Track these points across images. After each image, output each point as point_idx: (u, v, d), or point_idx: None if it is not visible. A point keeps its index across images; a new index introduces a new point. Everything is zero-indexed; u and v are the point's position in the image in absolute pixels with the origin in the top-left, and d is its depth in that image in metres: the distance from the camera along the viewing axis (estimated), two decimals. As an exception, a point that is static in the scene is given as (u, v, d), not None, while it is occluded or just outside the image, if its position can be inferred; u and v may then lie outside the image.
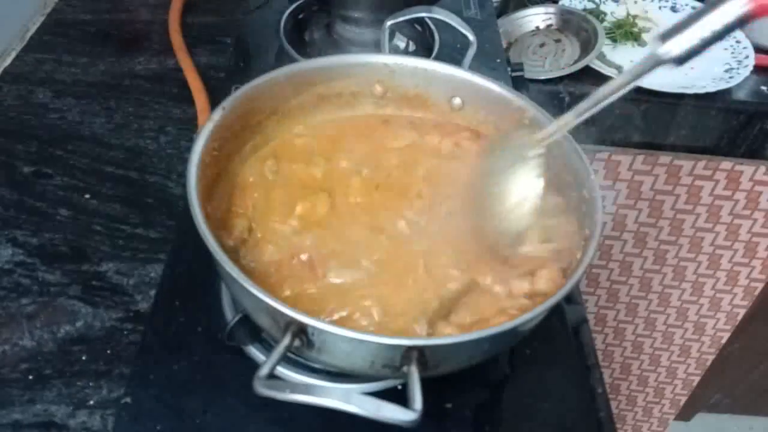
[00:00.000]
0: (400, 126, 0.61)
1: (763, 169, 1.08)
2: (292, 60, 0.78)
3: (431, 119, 0.62)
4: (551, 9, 1.14)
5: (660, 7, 1.18)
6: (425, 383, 0.38)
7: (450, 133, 0.60)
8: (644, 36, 1.13)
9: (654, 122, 1.02)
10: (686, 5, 1.17)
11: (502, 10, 1.18)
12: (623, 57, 1.08)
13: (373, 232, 0.52)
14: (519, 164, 0.50)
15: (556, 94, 1.01)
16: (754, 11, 0.39)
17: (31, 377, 0.53)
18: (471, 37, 0.67)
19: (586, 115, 0.47)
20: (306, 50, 0.81)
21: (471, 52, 0.67)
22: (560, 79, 1.02)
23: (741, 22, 0.40)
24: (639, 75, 0.44)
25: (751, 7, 0.39)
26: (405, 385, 0.38)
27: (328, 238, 0.51)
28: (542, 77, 1.02)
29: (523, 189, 0.50)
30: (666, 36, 0.41)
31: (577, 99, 0.99)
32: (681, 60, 0.41)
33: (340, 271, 0.49)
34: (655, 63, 0.42)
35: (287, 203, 0.53)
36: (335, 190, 0.55)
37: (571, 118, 0.47)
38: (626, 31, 1.13)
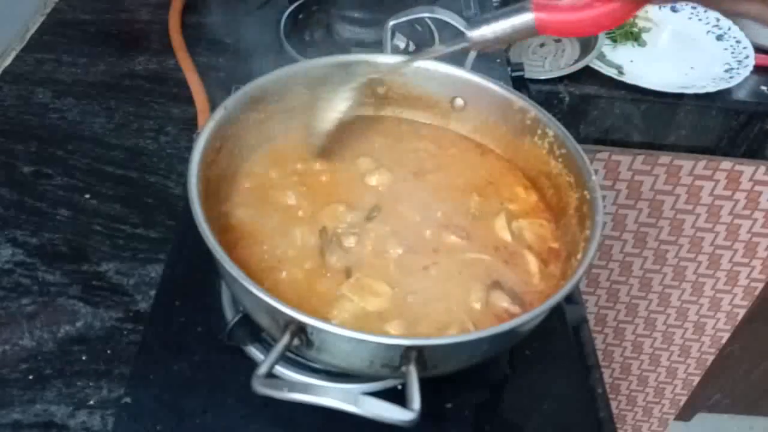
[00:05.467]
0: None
1: (763, 169, 1.08)
2: (292, 60, 0.78)
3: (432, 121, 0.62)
4: (551, 9, 1.14)
5: (660, 7, 1.18)
6: (425, 383, 0.38)
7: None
8: (644, 36, 1.13)
9: (654, 122, 1.02)
10: (686, 5, 1.17)
11: (502, 10, 1.18)
12: (623, 57, 1.08)
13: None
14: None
15: (556, 94, 1.01)
16: (537, 26, 0.46)
17: (31, 377, 0.53)
18: (472, 37, 0.67)
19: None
20: (306, 50, 0.81)
21: (473, 52, 0.67)
22: (560, 79, 1.02)
23: (528, 32, 0.47)
24: (449, 48, 0.52)
25: (535, 23, 0.46)
26: (405, 385, 0.38)
27: None
28: (542, 77, 1.02)
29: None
30: (473, 24, 0.49)
31: (577, 99, 1.00)
32: (477, 45, 0.49)
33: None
34: (463, 42, 0.50)
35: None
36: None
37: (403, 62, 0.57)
38: (626, 31, 1.13)
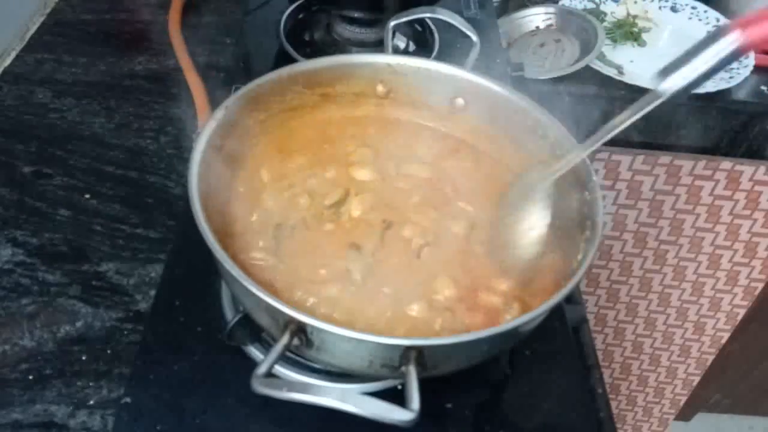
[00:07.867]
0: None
1: (763, 169, 1.07)
2: (292, 60, 0.78)
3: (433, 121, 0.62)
4: (551, 9, 1.14)
5: (660, 7, 1.18)
6: (425, 383, 0.38)
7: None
8: (644, 36, 1.13)
9: (654, 122, 1.02)
10: (686, 5, 1.17)
11: (502, 10, 1.18)
12: (623, 57, 1.08)
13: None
14: (530, 199, 0.52)
15: (556, 94, 1.01)
16: (743, 47, 0.42)
17: (31, 377, 0.53)
18: (474, 38, 0.67)
19: (592, 149, 0.49)
20: (306, 50, 0.82)
21: (474, 52, 0.67)
22: (560, 79, 1.02)
23: (733, 57, 0.42)
24: (641, 110, 0.46)
25: (741, 43, 0.41)
26: (404, 385, 0.38)
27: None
28: (542, 77, 1.02)
29: (533, 220, 0.51)
30: (665, 73, 0.44)
31: (577, 99, 1.00)
32: (679, 95, 0.44)
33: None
34: (656, 99, 0.44)
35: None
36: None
37: (577, 154, 0.50)
38: (626, 31, 1.13)
